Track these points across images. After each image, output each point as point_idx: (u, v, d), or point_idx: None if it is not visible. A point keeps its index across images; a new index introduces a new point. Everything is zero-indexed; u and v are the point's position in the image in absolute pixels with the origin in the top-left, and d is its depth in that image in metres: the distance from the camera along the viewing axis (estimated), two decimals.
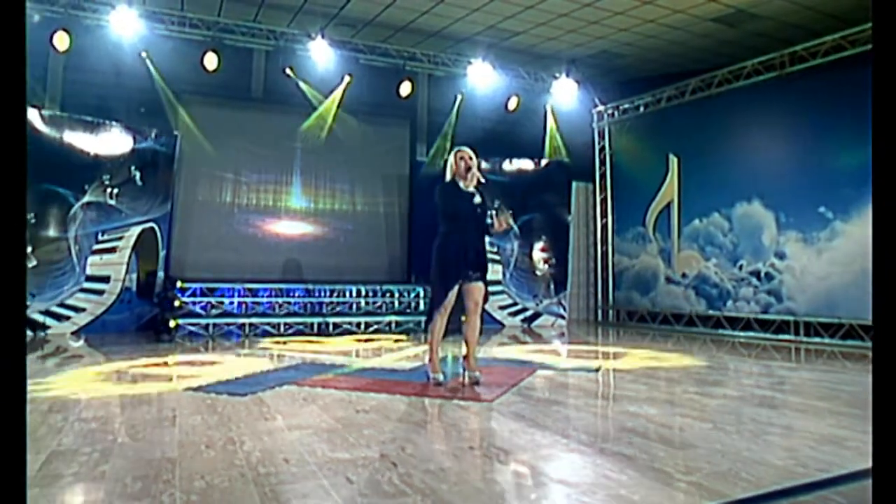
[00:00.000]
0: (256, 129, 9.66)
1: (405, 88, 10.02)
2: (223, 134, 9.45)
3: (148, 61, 8.61)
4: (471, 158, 4.82)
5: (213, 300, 8.32)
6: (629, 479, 2.64)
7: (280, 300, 8.68)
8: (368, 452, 2.96)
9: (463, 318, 4.92)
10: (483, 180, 4.81)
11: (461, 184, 4.77)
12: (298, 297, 8.82)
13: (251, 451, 2.93)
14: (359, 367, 5.62)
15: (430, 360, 4.83)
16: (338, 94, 9.72)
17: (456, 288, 4.68)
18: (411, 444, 3.12)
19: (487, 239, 4.98)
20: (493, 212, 5.01)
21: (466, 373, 4.84)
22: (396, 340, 7.98)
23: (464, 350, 4.89)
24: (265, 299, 8.64)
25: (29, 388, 4.44)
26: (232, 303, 8.42)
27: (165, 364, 5.81)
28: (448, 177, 4.83)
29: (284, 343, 7.49)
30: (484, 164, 8.00)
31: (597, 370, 5.68)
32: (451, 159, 4.85)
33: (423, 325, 9.10)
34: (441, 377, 4.73)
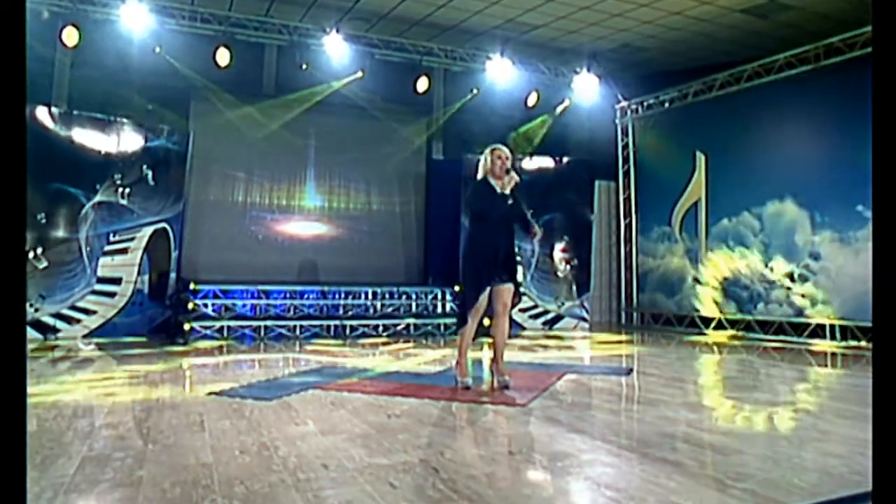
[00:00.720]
0: (270, 125, 9.71)
1: (422, 84, 10.05)
2: (235, 131, 9.51)
3: (167, 56, 8.65)
4: (507, 158, 4.84)
5: (226, 302, 8.38)
6: (678, 485, 2.65)
7: (295, 302, 8.72)
8: (407, 457, 2.98)
9: (486, 322, 4.95)
10: (518, 181, 4.84)
11: (496, 184, 4.79)
12: (313, 299, 8.86)
13: (287, 457, 2.96)
14: (383, 371, 5.66)
15: (459, 363, 4.85)
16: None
17: (487, 290, 4.71)
18: (450, 450, 3.14)
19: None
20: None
21: (495, 377, 4.86)
22: (415, 344, 8.00)
23: (487, 353, 4.90)
24: (279, 301, 8.69)
25: (49, 392, 4.50)
26: (245, 305, 8.48)
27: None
28: (480, 174, 4.86)
29: (301, 346, 7.53)
30: None
31: (628, 373, 5.68)
32: (487, 157, 4.85)
33: (446, 328, 9.15)
34: (469, 381, 4.76)
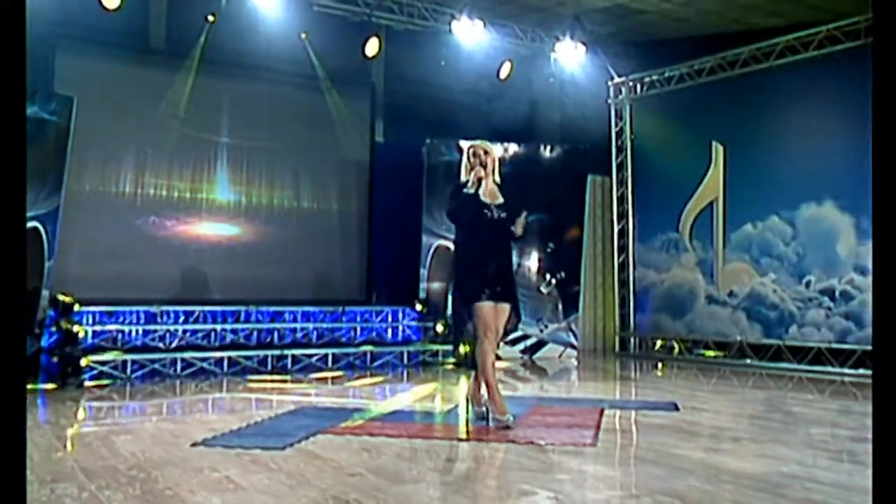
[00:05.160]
0: (166, 93, 9.66)
1: (371, 47, 10.27)
2: (121, 99, 9.40)
3: None
4: (486, 154, 5.40)
5: (122, 328, 8.35)
6: None
7: (216, 327, 8.78)
8: None
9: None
10: (499, 182, 5.41)
11: (472, 185, 5.29)
12: (231, 322, 8.96)
13: None
14: (387, 411, 5.99)
15: (491, 397, 5.20)
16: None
17: (492, 305, 5.16)
18: (564, 496, 3.48)
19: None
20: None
21: (490, 415, 5.17)
22: (385, 378, 8.25)
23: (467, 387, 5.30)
24: (191, 326, 8.71)
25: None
26: (150, 332, 8.45)
27: None
28: (463, 176, 5.38)
29: (234, 385, 7.59)
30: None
31: (675, 408, 6.19)
32: (464, 156, 5.45)
33: (409, 357, 9.63)
34: (510, 419, 5.10)
